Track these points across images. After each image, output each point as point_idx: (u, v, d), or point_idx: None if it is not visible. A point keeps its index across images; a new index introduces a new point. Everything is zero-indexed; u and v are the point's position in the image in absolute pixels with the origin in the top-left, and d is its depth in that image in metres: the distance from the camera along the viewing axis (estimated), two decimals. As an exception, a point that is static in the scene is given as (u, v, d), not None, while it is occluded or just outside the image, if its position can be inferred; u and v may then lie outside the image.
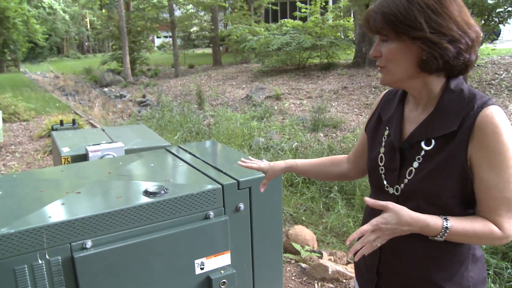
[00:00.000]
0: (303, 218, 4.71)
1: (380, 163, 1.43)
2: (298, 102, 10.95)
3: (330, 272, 2.86)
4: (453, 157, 1.25)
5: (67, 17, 40.34)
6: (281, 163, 1.70)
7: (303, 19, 17.86)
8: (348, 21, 16.41)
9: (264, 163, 1.71)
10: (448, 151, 1.25)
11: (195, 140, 8.04)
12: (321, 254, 3.29)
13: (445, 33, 1.20)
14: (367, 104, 9.90)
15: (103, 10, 34.07)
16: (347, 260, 3.39)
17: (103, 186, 1.84)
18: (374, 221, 1.19)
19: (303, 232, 3.51)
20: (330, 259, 3.26)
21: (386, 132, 1.45)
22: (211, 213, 1.82)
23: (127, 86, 17.14)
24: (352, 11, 16.64)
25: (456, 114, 1.26)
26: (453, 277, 1.35)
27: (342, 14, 16.58)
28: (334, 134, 7.88)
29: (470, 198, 1.28)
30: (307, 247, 3.32)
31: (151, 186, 1.76)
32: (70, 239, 1.54)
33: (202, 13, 22.38)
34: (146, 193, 1.73)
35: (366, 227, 1.19)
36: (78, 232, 1.55)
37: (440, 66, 1.24)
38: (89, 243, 1.56)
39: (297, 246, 3.29)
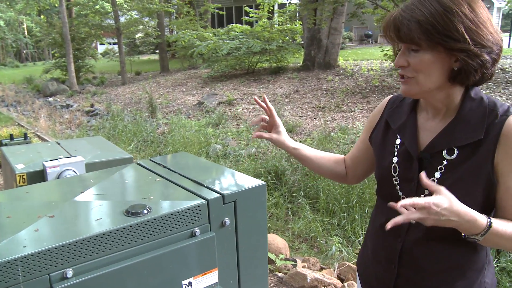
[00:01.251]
0: (269, 225, 4.66)
1: (393, 173, 1.37)
2: (251, 107, 10.92)
3: (308, 280, 2.81)
4: (479, 166, 1.22)
5: (1, 23, 38.44)
6: (291, 141, 1.66)
7: (250, 24, 17.90)
8: (296, 25, 16.58)
9: (281, 125, 1.66)
10: (475, 160, 1.22)
11: (150, 149, 7.83)
12: (296, 261, 3.25)
13: (484, 44, 1.17)
14: (320, 107, 10.00)
15: (42, 16, 32.81)
16: (320, 266, 3.36)
17: (78, 207, 1.70)
18: (428, 199, 1.11)
19: (276, 240, 3.44)
20: (304, 266, 3.21)
21: (398, 141, 1.39)
22: (197, 230, 1.71)
23: (73, 95, 16.53)
24: (298, 15, 16.81)
25: (479, 122, 1.23)
26: (473, 285, 1.33)
27: (290, 18, 16.73)
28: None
29: (490, 204, 1.26)
30: (281, 256, 3.26)
31: (132, 205, 1.64)
32: (48, 269, 1.39)
33: (147, 19, 21.97)
34: (128, 213, 1.60)
35: (419, 201, 1.10)
36: (57, 261, 1.41)
37: (478, 78, 1.20)
38: (70, 272, 1.42)
39: (272, 255, 3.22)
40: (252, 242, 1.96)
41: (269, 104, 1.63)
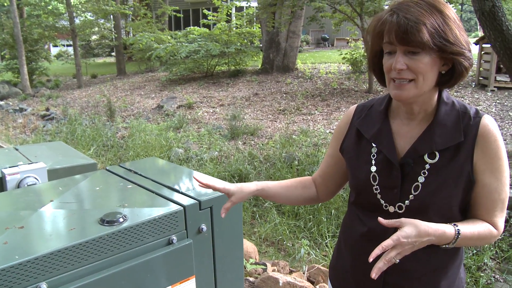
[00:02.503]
0: (235, 228, 4.62)
1: (373, 182, 1.36)
2: (211, 111, 10.85)
3: (281, 284, 2.79)
4: (461, 168, 1.26)
5: None
6: (251, 185, 1.53)
7: (208, 27, 17.79)
8: (254, 28, 16.62)
9: (228, 184, 1.52)
10: (457, 161, 1.26)
11: (110, 154, 7.64)
12: (266, 265, 3.23)
13: (469, 48, 1.23)
14: (280, 110, 10.05)
15: (-12, 15, 31.47)
16: (289, 269, 3.36)
17: (48, 217, 1.62)
18: (395, 236, 1.15)
19: (245, 244, 3.42)
20: (274, 270, 3.20)
21: (374, 150, 1.39)
22: (174, 237, 1.67)
23: (26, 99, 15.92)
24: (256, 19, 16.86)
25: (455, 125, 1.28)
26: (454, 282, 1.39)
27: (249, 21, 16.76)
28: (252, 142, 7.89)
29: (467, 202, 1.31)
30: (251, 260, 3.24)
31: (107, 214, 1.58)
32: (21, 284, 1.32)
33: (102, 21, 21.47)
34: (103, 221, 1.54)
35: (388, 242, 1.15)
36: (30, 275, 1.33)
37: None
38: (44, 286, 1.35)
39: (241, 260, 3.19)
40: (229, 248, 1.93)
41: (203, 182, 1.50)
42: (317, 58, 17.95)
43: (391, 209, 1.33)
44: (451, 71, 1.26)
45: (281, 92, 11.78)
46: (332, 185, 1.62)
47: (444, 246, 1.25)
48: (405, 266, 1.32)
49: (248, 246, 3.43)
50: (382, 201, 1.35)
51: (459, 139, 1.26)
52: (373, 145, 1.39)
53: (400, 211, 1.32)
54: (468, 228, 1.24)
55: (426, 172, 1.28)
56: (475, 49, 10.49)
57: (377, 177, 1.36)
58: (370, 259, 1.14)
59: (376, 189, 1.36)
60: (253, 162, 6.52)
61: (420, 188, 1.28)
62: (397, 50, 1.22)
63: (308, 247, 3.94)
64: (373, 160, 1.38)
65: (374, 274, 1.16)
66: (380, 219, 1.21)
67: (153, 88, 14.83)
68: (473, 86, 10.00)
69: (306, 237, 4.30)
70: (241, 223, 1.98)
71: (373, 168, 1.37)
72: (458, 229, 1.22)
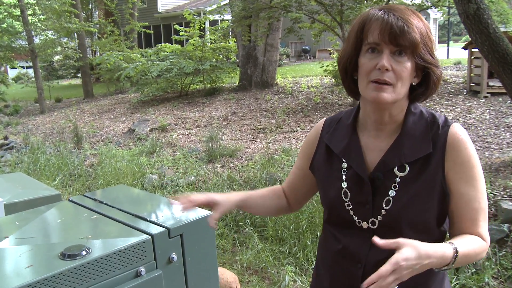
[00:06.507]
0: (215, 258, 4.61)
1: (345, 199, 1.41)
2: (186, 132, 10.86)
3: (263, 316, 2.79)
4: (432, 179, 1.30)
5: None
6: (236, 195, 1.55)
7: (180, 43, 17.88)
8: (230, 43, 16.74)
9: (212, 194, 1.53)
10: (428, 173, 1.30)
11: (78, 183, 7.58)
12: (247, 296, 3.23)
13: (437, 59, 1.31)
14: (260, 128, 10.12)
15: None
16: (273, 299, 3.36)
17: (3, 254, 1.62)
18: (394, 259, 1.11)
19: (225, 274, 3.42)
20: (256, 301, 3.20)
21: (344, 165, 1.43)
22: (143, 269, 1.69)
23: (-19, 127, 15.77)
24: (231, 33, 17.00)
25: (424, 135, 1.33)
26: None
27: (223, 36, 16.87)
28: (231, 164, 7.91)
29: (443, 217, 1.35)
30: (231, 291, 3.24)
31: (68, 247, 1.59)
32: (-25, 327, 1.32)
33: (65, 40, 21.40)
34: (64, 256, 1.55)
35: (386, 267, 1.10)
36: (-15, 317, 1.33)
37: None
38: (0, 329, 1.35)
39: (221, 292, 3.19)
40: (202, 278, 1.94)
41: (194, 201, 1.49)
42: (298, 71, 18.14)
43: (364, 225, 1.37)
44: (424, 83, 1.33)
45: (260, 109, 11.86)
46: (300, 195, 1.69)
47: (444, 268, 1.22)
48: None
49: (228, 276, 3.44)
50: (355, 217, 1.39)
51: (428, 150, 1.31)
52: (343, 160, 1.44)
53: (373, 227, 1.36)
54: (464, 245, 1.23)
55: (397, 186, 1.33)
56: (464, 54, 10.73)
57: (349, 193, 1.40)
58: (365, 286, 1.11)
59: (348, 205, 1.40)
60: (233, 185, 6.53)
61: (391, 202, 1.32)
62: (383, 49, 1.27)
63: (293, 274, 3.95)
64: (343, 176, 1.43)
65: None
66: (375, 239, 1.17)
67: (123, 111, 14.80)
68: (464, 93, 10.18)
69: (291, 263, 4.31)
70: (214, 250, 2.00)
71: (344, 184, 1.42)
72: (455, 248, 1.20)
